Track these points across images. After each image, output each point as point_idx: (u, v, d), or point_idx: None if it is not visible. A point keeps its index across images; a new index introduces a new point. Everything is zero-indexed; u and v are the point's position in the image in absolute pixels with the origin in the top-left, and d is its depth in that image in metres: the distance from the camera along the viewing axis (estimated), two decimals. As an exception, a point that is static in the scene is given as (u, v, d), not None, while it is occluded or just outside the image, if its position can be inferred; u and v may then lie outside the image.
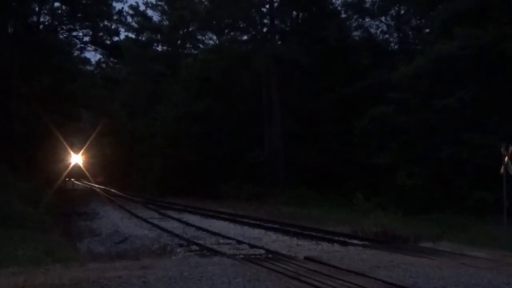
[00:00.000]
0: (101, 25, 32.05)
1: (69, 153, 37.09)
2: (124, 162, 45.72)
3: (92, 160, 47.60)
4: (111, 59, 43.01)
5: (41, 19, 29.51)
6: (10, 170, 17.62)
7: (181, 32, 46.01)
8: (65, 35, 31.57)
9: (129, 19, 46.67)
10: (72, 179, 54.51)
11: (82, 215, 18.44)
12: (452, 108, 16.56)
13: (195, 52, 43.37)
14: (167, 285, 5.75)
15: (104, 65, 48.06)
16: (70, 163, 39.21)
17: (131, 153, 43.44)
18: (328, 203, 21.18)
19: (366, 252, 8.65)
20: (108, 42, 33.55)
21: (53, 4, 29.65)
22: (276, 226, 14.16)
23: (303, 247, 10.22)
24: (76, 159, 42.73)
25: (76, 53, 34.18)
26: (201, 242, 10.72)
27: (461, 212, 14.74)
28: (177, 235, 11.97)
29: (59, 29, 30.72)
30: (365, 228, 12.08)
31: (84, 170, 45.95)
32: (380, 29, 30.31)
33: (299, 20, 31.45)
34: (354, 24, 30.57)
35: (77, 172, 51.20)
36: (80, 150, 40.50)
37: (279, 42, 30.82)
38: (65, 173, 34.28)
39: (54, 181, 26.69)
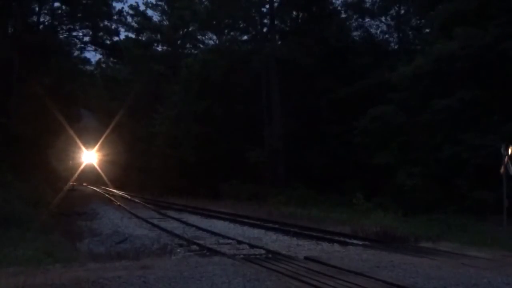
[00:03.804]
0: (101, 25, 32.10)
1: (79, 152, 36.38)
2: (123, 162, 45.70)
3: (107, 159, 43.06)
4: (111, 59, 43.06)
5: (41, 19, 29.57)
6: (10, 170, 17.62)
7: (181, 32, 46.05)
8: (65, 35, 31.64)
9: (129, 19, 46.73)
10: (85, 184, 49.89)
11: (82, 215, 18.43)
12: (452, 108, 16.56)
13: (195, 52, 43.41)
14: (167, 285, 5.75)
15: (104, 65, 48.18)
16: (81, 163, 38.41)
17: (131, 153, 43.46)
18: (328, 203, 21.15)
19: (366, 252, 8.64)
20: (108, 42, 33.60)
21: (53, 4, 29.70)
22: (276, 226, 14.15)
23: (303, 247, 10.22)
24: (89, 158, 41.43)
25: (76, 53, 34.28)
26: (201, 242, 10.71)
27: (461, 212, 14.71)
28: (177, 235, 11.97)
29: (59, 29, 30.75)
30: (365, 228, 12.08)
31: (100, 171, 41.47)
32: (380, 29, 30.37)
33: (299, 20, 31.45)
34: (354, 24, 30.59)
35: (91, 174, 46.74)
36: (92, 148, 39.28)
37: (279, 42, 30.81)
38: (75, 174, 33.73)
39: (58, 181, 26.62)
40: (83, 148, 35.62)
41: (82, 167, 37.25)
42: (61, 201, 20.11)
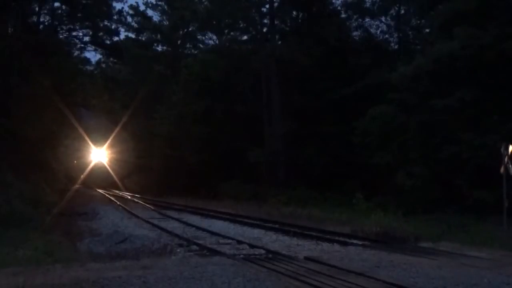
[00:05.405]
0: (101, 25, 32.10)
1: (82, 151, 35.77)
2: (124, 162, 45.60)
3: (107, 160, 40.58)
4: (111, 59, 43.05)
5: (41, 19, 29.53)
6: (10, 170, 17.62)
7: (181, 32, 46.05)
8: (65, 35, 31.61)
9: (129, 19, 46.76)
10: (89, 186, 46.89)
11: (82, 215, 18.44)
12: (452, 108, 16.54)
13: (195, 52, 43.40)
14: (167, 285, 5.75)
15: (104, 65, 48.12)
16: (88, 162, 37.78)
17: (131, 153, 43.40)
18: (328, 203, 21.17)
19: (366, 252, 8.65)
20: (108, 42, 33.62)
21: (53, 4, 29.66)
22: (276, 226, 14.16)
23: (303, 247, 10.22)
24: (99, 156, 40.62)
25: (76, 53, 34.31)
26: (201, 242, 10.71)
27: (461, 212, 14.71)
28: (177, 235, 11.97)
29: (59, 29, 30.73)
30: (365, 228, 12.09)
31: (111, 171, 38.69)
32: (380, 29, 30.37)
33: (299, 20, 31.45)
34: (354, 24, 30.59)
35: (96, 175, 44.42)
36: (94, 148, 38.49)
37: (279, 42, 30.82)
38: (82, 174, 33.11)
39: (59, 181, 26.50)
40: (86, 148, 35.36)
41: (89, 167, 36.88)
42: (61, 201, 20.12)
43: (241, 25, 31.83)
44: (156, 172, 37.53)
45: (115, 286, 5.68)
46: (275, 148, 27.32)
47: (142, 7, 57.06)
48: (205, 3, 34.87)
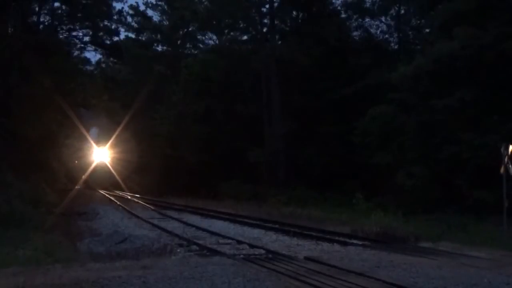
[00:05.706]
0: (101, 25, 32.07)
1: (84, 151, 35.42)
2: (124, 162, 45.51)
3: (118, 157, 39.73)
4: (111, 59, 42.99)
5: (41, 19, 29.52)
6: (10, 170, 17.62)
7: (181, 32, 46.07)
8: (65, 35, 31.58)
9: (129, 19, 46.75)
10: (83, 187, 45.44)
11: (82, 215, 18.44)
12: (452, 108, 16.55)
13: (195, 52, 43.43)
14: (167, 285, 5.75)
15: (104, 65, 48.05)
16: (92, 162, 37.47)
17: (131, 153, 43.34)
18: (328, 203, 21.18)
19: (366, 252, 8.65)
20: (108, 42, 33.58)
21: (53, 4, 29.64)
22: (276, 226, 14.16)
23: (303, 247, 10.21)
24: (101, 155, 40.18)
25: (76, 53, 34.24)
26: (201, 242, 10.71)
27: (461, 212, 14.71)
28: (177, 235, 11.97)
29: (59, 29, 30.71)
30: (365, 228, 12.09)
31: (113, 170, 37.93)
32: (380, 29, 30.39)
33: (299, 20, 31.47)
34: (354, 24, 30.61)
35: (102, 174, 43.85)
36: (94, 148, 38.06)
37: (279, 42, 30.83)
38: (84, 174, 32.72)
39: (59, 181, 26.47)
40: (88, 148, 35.21)
41: (91, 167, 36.71)
42: (61, 201, 20.13)
43: (241, 25, 31.86)
44: (156, 172, 37.53)
45: (115, 286, 5.68)
46: (275, 148, 27.33)
47: (142, 7, 57.11)
48: (205, 3, 34.90)
